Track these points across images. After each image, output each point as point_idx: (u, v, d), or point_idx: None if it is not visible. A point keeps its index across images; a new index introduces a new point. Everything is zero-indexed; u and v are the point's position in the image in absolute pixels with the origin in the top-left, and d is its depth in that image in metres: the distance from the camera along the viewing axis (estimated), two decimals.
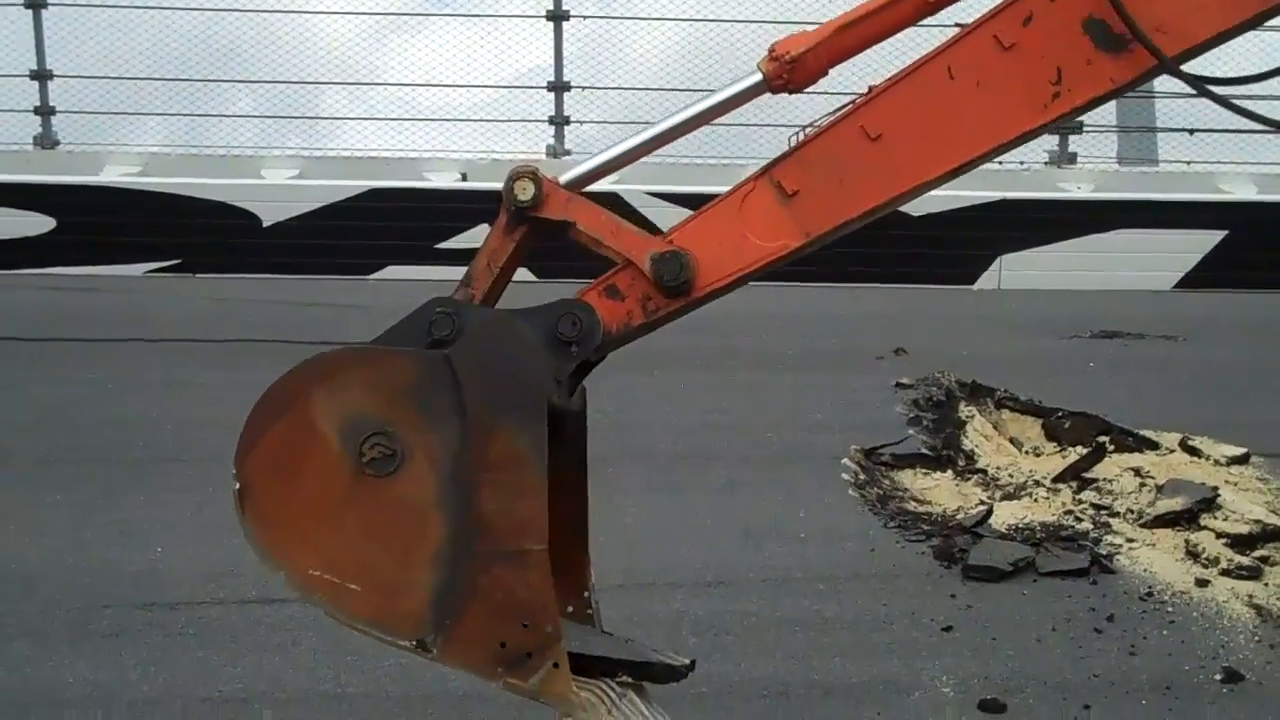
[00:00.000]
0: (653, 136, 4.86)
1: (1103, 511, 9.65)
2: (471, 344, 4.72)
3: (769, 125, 16.27)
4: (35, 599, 8.21)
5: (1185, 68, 4.47)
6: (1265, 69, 4.69)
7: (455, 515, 4.69)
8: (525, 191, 4.73)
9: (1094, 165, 20.32)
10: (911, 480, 10.55)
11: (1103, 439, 10.90)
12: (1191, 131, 19.52)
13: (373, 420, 4.69)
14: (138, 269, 18.62)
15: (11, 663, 7.43)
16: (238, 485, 4.74)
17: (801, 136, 4.75)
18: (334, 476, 4.70)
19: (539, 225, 4.82)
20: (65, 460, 10.76)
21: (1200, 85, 4.54)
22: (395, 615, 4.73)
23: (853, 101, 4.68)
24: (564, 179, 4.84)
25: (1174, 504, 9.46)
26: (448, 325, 4.71)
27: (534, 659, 4.70)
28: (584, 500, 5.32)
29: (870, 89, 4.67)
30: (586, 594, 5.34)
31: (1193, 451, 10.74)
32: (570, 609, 5.25)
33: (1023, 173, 19.37)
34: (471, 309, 4.79)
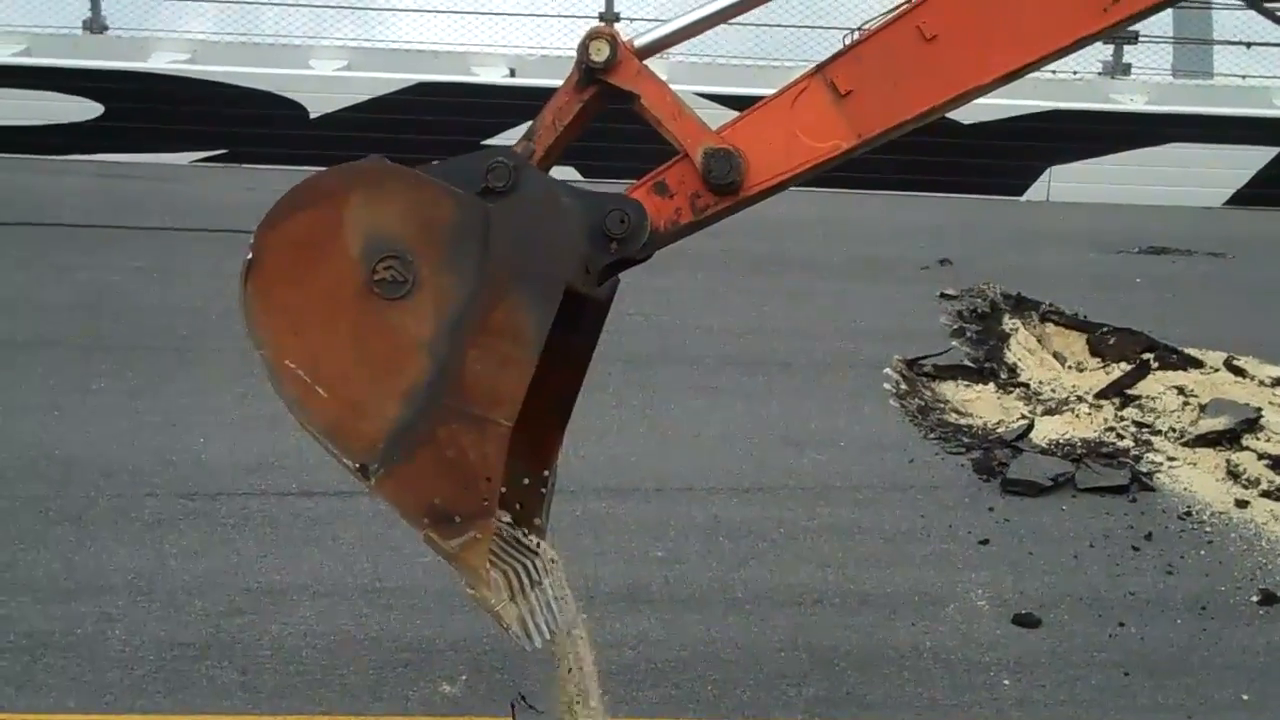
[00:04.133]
0: (718, 10, 4.84)
1: (1144, 429, 9.61)
2: (516, 207, 4.72)
3: (820, 27, 16.17)
4: (78, 485, 8.28)
5: None
6: None
7: (440, 363, 4.72)
8: (600, 53, 4.71)
9: (1148, 77, 20.06)
10: (953, 392, 10.52)
11: (1147, 356, 10.83)
12: (1249, 45, 19.21)
13: (397, 244, 4.71)
14: (184, 157, 18.60)
15: (54, 548, 7.51)
16: (250, 255, 4.77)
17: (856, 35, 4.70)
18: (342, 282, 4.73)
19: (607, 90, 4.80)
20: (110, 347, 10.81)
21: None
22: (351, 434, 4.78)
23: (909, 1, 4.62)
24: (638, 43, 4.81)
25: (1217, 424, 9.42)
26: (504, 178, 4.71)
27: (460, 524, 4.76)
28: (579, 384, 5.33)
29: None
30: (546, 473, 5.35)
31: (1237, 371, 10.67)
32: (527, 480, 5.27)
33: (1075, 83, 19.13)
34: (532, 171, 4.77)
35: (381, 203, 4.77)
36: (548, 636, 5.09)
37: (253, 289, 4.83)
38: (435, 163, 4.89)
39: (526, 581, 5.08)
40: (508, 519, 5.25)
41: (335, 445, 4.83)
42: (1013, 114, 18.10)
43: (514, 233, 4.73)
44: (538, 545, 5.30)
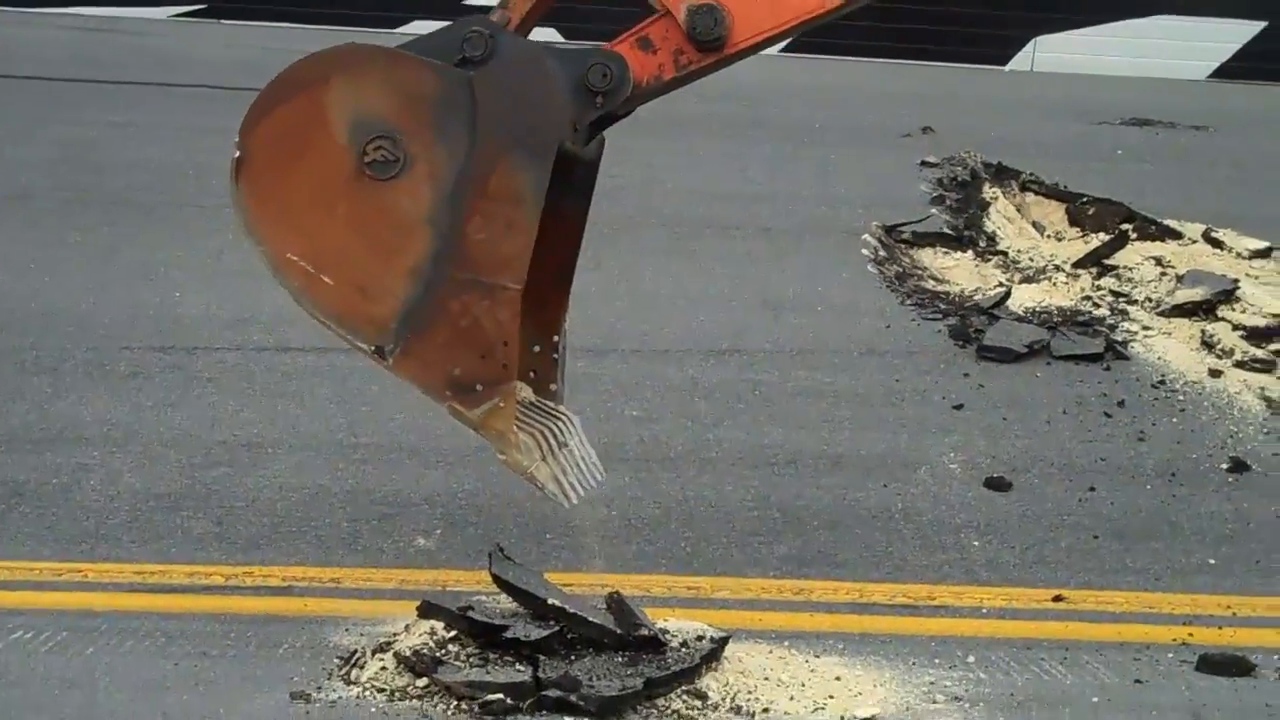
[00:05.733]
0: None
1: (1121, 298, 9.63)
2: (498, 72, 4.74)
3: None
4: (54, 337, 8.27)
5: None
6: None
7: (442, 235, 4.78)
8: None
9: None
10: (931, 259, 10.52)
11: (1125, 226, 10.83)
12: None
13: (383, 123, 4.75)
14: (162, 12, 18.42)
15: (31, 399, 7.51)
16: (238, 154, 4.80)
17: None
18: (333, 169, 4.79)
19: None
20: (86, 202, 10.76)
21: None
22: (362, 317, 4.86)
23: None
24: None
25: (1193, 294, 9.42)
26: (480, 46, 4.73)
27: (483, 391, 4.84)
28: (577, 247, 5.39)
29: None
30: (556, 338, 5.44)
31: (1215, 243, 10.68)
32: (537, 348, 5.36)
33: None
34: (507, 36, 4.78)
35: (362, 85, 4.80)
36: (582, 494, 5.20)
37: (245, 187, 4.86)
38: (409, 42, 4.90)
39: (554, 443, 5.15)
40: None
41: (347, 330, 4.91)
42: None
43: (500, 97, 4.75)
44: (558, 408, 5.38)
